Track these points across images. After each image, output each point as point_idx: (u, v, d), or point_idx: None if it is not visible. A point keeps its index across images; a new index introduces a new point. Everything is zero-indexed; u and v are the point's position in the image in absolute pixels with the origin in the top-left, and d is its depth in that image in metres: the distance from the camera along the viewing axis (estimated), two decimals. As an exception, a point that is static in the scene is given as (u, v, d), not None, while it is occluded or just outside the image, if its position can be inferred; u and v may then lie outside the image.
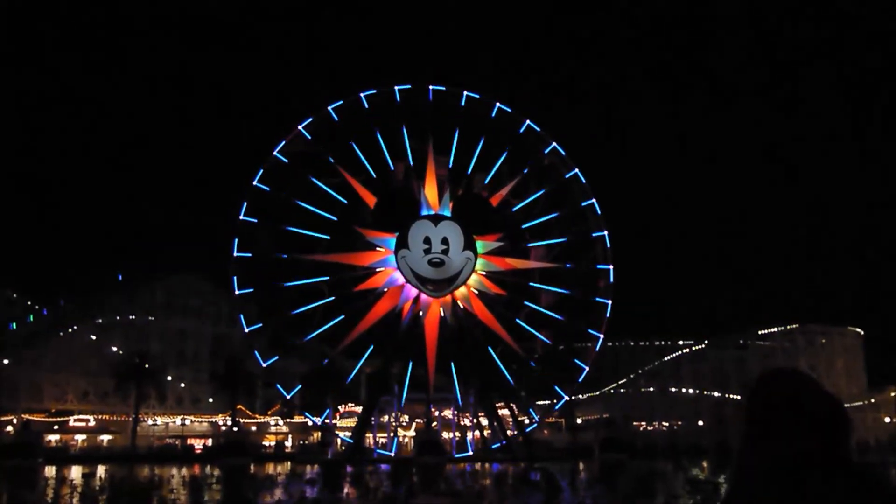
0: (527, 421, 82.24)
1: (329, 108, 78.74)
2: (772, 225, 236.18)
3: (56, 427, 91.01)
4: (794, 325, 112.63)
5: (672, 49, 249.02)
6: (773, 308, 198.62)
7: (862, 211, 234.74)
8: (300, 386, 76.98)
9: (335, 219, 77.42)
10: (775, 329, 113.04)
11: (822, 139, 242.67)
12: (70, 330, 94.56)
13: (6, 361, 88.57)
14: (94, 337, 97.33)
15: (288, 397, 76.45)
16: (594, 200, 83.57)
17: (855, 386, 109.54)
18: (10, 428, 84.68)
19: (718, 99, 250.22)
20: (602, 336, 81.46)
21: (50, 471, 63.19)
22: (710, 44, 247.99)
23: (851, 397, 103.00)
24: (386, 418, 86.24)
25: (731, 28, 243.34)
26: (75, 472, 61.19)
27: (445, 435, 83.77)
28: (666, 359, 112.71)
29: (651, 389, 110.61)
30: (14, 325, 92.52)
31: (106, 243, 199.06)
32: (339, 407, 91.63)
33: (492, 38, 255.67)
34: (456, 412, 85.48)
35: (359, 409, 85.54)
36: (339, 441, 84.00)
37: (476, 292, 78.86)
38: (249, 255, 74.69)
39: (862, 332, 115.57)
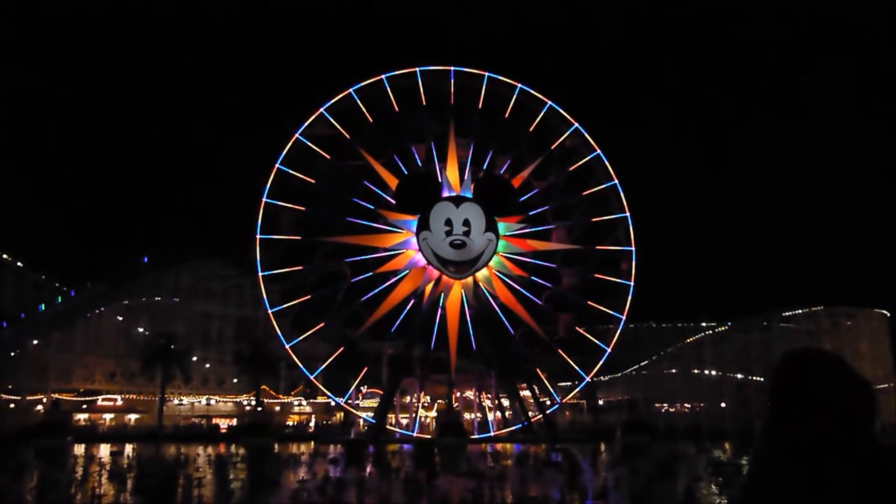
0: (548, 402, 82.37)
1: (351, 90, 78.78)
2: (797, 206, 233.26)
3: (84, 406, 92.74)
4: (819, 307, 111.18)
5: (695, 29, 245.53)
6: (798, 290, 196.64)
7: (887, 191, 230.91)
8: (323, 367, 77.56)
9: (357, 201, 77.73)
10: (799, 311, 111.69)
11: (844, 118, 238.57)
12: (97, 312, 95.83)
13: (35, 342, 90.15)
14: (120, 319, 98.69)
15: (311, 378, 77.10)
16: (616, 182, 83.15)
17: (880, 368, 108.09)
18: (39, 407, 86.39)
19: (744, 76, 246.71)
20: (624, 318, 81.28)
21: (79, 449, 64.39)
22: (738, 22, 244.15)
23: (876, 380, 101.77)
24: (408, 399, 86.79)
25: (760, 6, 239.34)
26: (104, 451, 62.34)
27: (467, 416, 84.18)
28: (688, 341, 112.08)
29: (673, 371, 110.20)
30: (43, 307, 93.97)
31: (132, 227, 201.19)
32: (362, 388, 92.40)
33: (514, 20, 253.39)
34: (477, 393, 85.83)
35: (381, 390, 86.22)
36: (361, 421, 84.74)
37: (497, 274, 78.87)
38: (273, 236, 75.23)
39: (888, 314, 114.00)
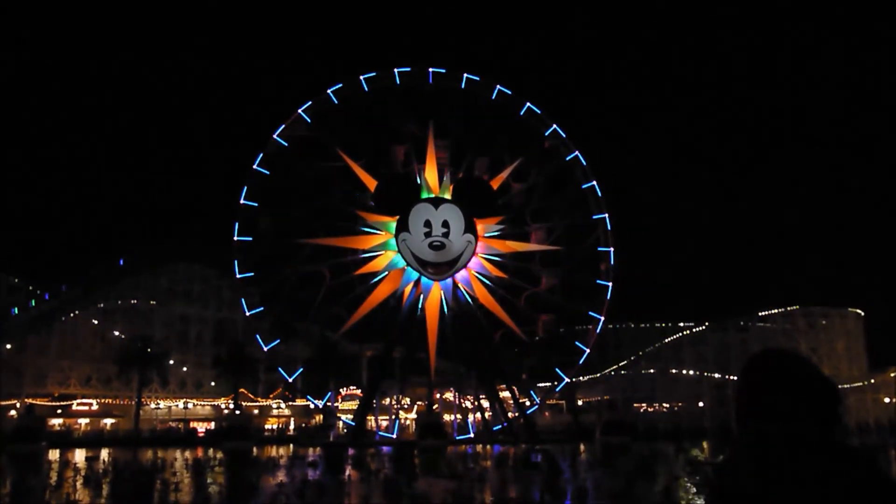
0: (528, 403, 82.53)
1: (329, 91, 78.55)
2: (772, 207, 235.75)
3: (59, 411, 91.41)
4: (795, 307, 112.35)
5: (673, 30, 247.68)
6: (775, 290, 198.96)
7: (862, 192, 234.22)
8: (302, 369, 77.21)
9: (336, 202, 77.47)
10: (776, 311, 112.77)
11: (821, 118, 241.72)
12: (73, 315, 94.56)
13: (9, 346, 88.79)
14: (96, 322, 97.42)
15: (290, 381, 76.65)
16: (595, 183, 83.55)
17: (855, 367, 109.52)
18: (13, 412, 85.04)
19: (723, 80, 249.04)
20: (603, 318, 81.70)
21: (53, 454, 63.52)
22: (715, 24, 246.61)
23: (852, 379, 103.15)
24: (387, 401, 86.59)
25: (734, 6, 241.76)
26: (79, 456, 61.52)
27: (447, 417, 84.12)
28: (667, 341, 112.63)
29: (652, 371, 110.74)
30: (16, 311, 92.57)
31: (108, 228, 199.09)
32: (341, 390, 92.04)
33: (492, 20, 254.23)
34: (457, 395, 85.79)
35: (360, 392, 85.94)
36: (340, 424, 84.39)
37: (477, 275, 78.92)
38: (251, 239, 74.81)
39: (862, 314, 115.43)
